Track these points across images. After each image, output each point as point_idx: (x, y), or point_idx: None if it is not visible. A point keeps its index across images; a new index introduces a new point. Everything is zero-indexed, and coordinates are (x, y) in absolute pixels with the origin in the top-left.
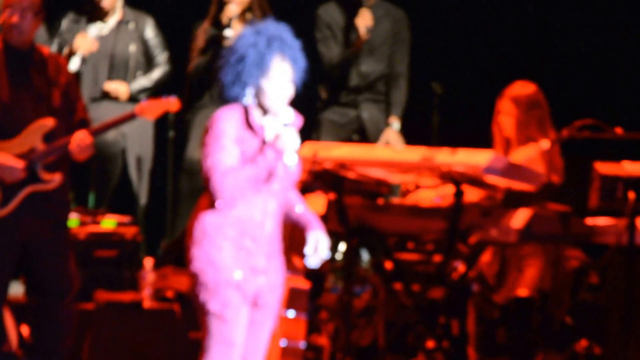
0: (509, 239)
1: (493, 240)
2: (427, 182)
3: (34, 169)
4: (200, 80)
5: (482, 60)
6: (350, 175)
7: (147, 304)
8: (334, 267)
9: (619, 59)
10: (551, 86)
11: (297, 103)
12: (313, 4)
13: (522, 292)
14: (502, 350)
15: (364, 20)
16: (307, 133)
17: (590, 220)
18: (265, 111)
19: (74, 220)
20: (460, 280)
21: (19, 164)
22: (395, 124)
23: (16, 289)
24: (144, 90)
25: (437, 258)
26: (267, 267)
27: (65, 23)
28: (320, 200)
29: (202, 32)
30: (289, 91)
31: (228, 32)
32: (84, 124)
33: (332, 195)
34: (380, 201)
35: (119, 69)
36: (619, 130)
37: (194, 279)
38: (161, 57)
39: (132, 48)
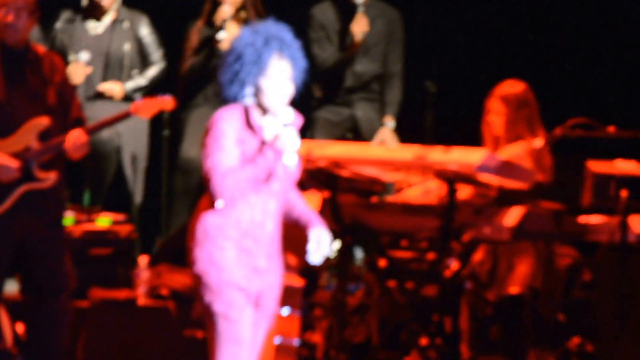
0: (502, 236)
1: (486, 238)
2: (420, 180)
3: (29, 168)
4: (194, 80)
5: (476, 59)
6: (344, 173)
7: (142, 301)
8: (328, 264)
9: (612, 58)
10: (544, 85)
11: (292, 101)
12: (308, 3)
13: (514, 289)
14: (494, 347)
15: (360, 26)
16: (302, 131)
17: (583, 219)
18: (265, 111)
19: (69, 218)
20: (454, 278)
21: (14, 164)
22: (390, 123)
23: (11, 287)
24: (139, 89)
25: (431, 256)
26: (267, 267)
27: (60, 22)
28: (314, 199)
29: (196, 32)
30: (289, 90)
31: (221, 35)
32: (79, 122)
33: (326, 194)
34: (374, 199)
35: (113, 67)
36: (611, 129)
37: (198, 280)
38: (156, 54)
39: (127, 47)
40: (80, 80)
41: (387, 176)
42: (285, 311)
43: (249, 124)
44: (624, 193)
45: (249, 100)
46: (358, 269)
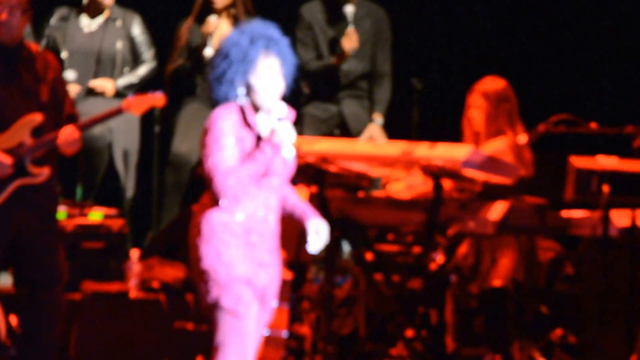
0: (486, 230)
1: (471, 232)
2: (405, 175)
3: (22, 163)
4: (182, 79)
5: (461, 56)
6: (332, 168)
7: (133, 294)
8: (316, 258)
9: (593, 55)
10: (527, 82)
11: (281, 98)
12: (297, 2)
13: (497, 282)
14: (479, 339)
15: (351, 42)
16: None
17: (565, 213)
18: (258, 108)
19: (61, 212)
20: (439, 271)
21: (7, 160)
22: (378, 119)
23: (5, 280)
24: (130, 86)
25: (417, 249)
26: (270, 261)
27: (54, 19)
28: (302, 193)
29: (186, 31)
30: (279, 86)
31: (208, 52)
32: (72, 118)
33: (314, 188)
34: (361, 194)
35: (106, 65)
36: (593, 125)
37: (204, 276)
38: (147, 54)
39: (119, 45)
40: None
41: (373, 171)
42: (274, 303)
43: (245, 122)
44: (605, 188)
45: (241, 99)
46: (345, 263)
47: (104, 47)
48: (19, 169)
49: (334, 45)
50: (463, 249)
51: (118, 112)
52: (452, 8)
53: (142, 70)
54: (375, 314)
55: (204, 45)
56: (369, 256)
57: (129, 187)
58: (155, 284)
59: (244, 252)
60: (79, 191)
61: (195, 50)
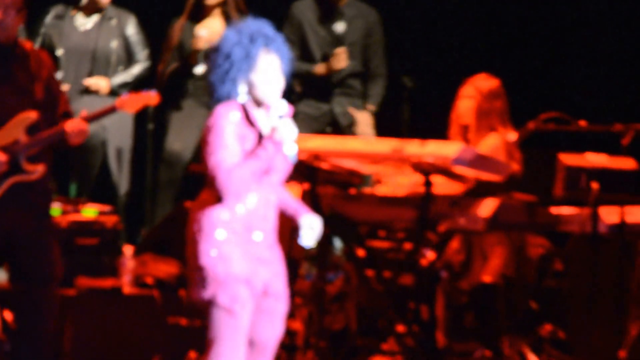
0: (477, 227)
1: (461, 228)
2: (398, 172)
3: (17, 161)
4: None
5: (452, 54)
6: (324, 166)
7: (127, 290)
8: (308, 254)
9: (582, 54)
10: (517, 80)
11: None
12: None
13: (488, 278)
14: (469, 334)
15: (339, 63)
16: None
17: (555, 210)
18: (259, 105)
19: (56, 209)
20: (430, 267)
21: (2, 157)
22: (371, 108)
23: (0, 276)
24: (124, 85)
25: (408, 246)
26: (270, 257)
27: (49, 18)
28: (294, 191)
29: (178, 30)
30: (280, 82)
31: (199, 70)
32: (67, 116)
33: (306, 185)
34: (353, 191)
35: (100, 63)
36: (582, 123)
37: (202, 272)
38: (142, 54)
39: (114, 44)
40: None
41: (365, 168)
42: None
43: (247, 120)
44: (594, 185)
45: (243, 97)
46: (337, 259)
47: (99, 46)
48: (14, 167)
49: (324, 44)
50: (454, 245)
51: (112, 110)
52: (443, 6)
53: (137, 69)
54: (367, 309)
55: (195, 61)
56: (360, 252)
57: (123, 184)
58: (149, 280)
59: (244, 249)
60: (73, 188)
61: (187, 54)
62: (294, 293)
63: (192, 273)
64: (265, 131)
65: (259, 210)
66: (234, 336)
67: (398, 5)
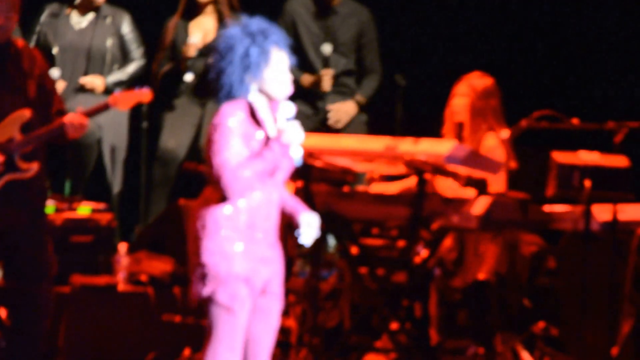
0: (470, 225)
1: (454, 226)
2: (391, 170)
3: (12, 159)
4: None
5: (444, 53)
6: (317, 163)
7: (122, 287)
8: (302, 252)
9: (575, 52)
10: (510, 78)
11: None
12: None
13: (481, 275)
14: (462, 331)
15: (325, 85)
16: None
17: (547, 208)
18: (269, 104)
19: (50, 207)
20: (423, 265)
21: None
22: (359, 98)
23: None
24: (119, 84)
25: (401, 243)
26: (272, 256)
27: (44, 16)
28: (288, 188)
29: (172, 28)
30: (289, 80)
31: (188, 77)
32: (61, 113)
33: (299, 183)
34: (346, 189)
35: (96, 62)
36: (575, 121)
37: (203, 269)
38: (137, 52)
39: (109, 42)
40: None
41: (358, 166)
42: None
43: (252, 118)
44: (587, 183)
45: (253, 94)
46: (330, 256)
47: (94, 45)
48: (8, 165)
49: (317, 42)
50: (447, 243)
51: (105, 107)
52: (435, 5)
53: (131, 67)
54: (360, 307)
55: (185, 68)
56: (354, 250)
57: (117, 182)
58: (143, 277)
59: (246, 248)
60: (67, 186)
61: (179, 58)
62: (287, 291)
63: (193, 270)
64: (270, 130)
65: (262, 209)
66: (231, 334)
67: (391, 3)
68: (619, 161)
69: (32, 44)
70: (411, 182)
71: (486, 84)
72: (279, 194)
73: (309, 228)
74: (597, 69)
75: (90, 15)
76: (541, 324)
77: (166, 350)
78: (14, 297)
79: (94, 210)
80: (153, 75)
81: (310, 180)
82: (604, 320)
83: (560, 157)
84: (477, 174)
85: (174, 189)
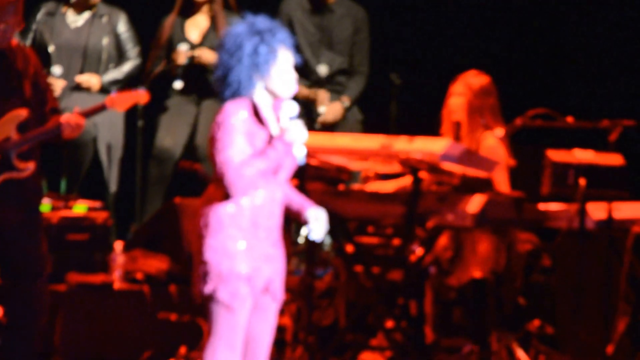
0: (465, 223)
1: (449, 224)
2: (386, 168)
3: (9, 158)
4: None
5: (439, 52)
6: (313, 162)
7: (117, 285)
8: (297, 250)
9: (569, 50)
10: (505, 76)
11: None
12: None
13: (477, 273)
14: (458, 329)
15: (322, 108)
16: None
17: (542, 206)
18: (272, 103)
19: (46, 205)
20: (418, 263)
21: None
22: (345, 102)
23: None
24: (115, 82)
25: (396, 242)
26: (274, 254)
27: (40, 14)
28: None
29: (168, 27)
30: (294, 78)
31: (177, 85)
32: (55, 112)
33: (295, 182)
34: (341, 187)
35: (92, 60)
36: (569, 119)
37: (206, 267)
38: (132, 51)
39: (105, 41)
40: (57, 94)
41: (353, 165)
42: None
43: (256, 117)
44: (582, 181)
45: (259, 92)
46: (326, 254)
47: (90, 43)
48: (5, 164)
49: (313, 41)
50: (442, 241)
51: (102, 108)
52: (430, 3)
53: (127, 66)
54: (356, 305)
55: (174, 75)
56: (349, 248)
57: (113, 180)
58: (139, 276)
59: (249, 246)
60: (63, 184)
61: (169, 73)
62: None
63: (196, 267)
64: (273, 129)
65: (265, 207)
66: (231, 332)
67: (385, 2)
68: (614, 159)
69: (28, 42)
70: (407, 180)
71: (482, 82)
72: (282, 192)
73: (318, 223)
74: (592, 67)
75: (87, 14)
76: (536, 322)
77: (162, 348)
78: (9, 294)
79: (90, 209)
80: (146, 74)
81: (306, 178)
82: (599, 318)
83: (555, 155)
84: (472, 172)
85: (169, 188)
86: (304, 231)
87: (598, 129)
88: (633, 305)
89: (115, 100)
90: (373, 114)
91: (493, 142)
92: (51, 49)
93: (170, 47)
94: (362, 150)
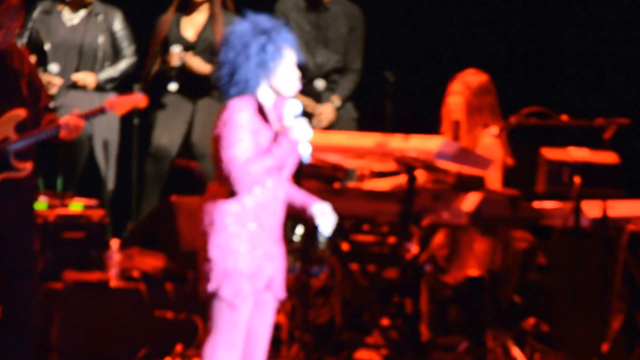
0: (460, 221)
1: (445, 222)
2: (381, 166)
3: (7, 158)
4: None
5: (433, 49)
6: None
7: (114, 283)
8: (292, 248)
9: (564, 48)
10: (500, 74)
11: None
12: None
13: (474, 272)
14: (453, 327)
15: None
16: None
17: (537, 204)
18: (277, 100)
19: (43, 203)
20: (414, 261)
21: None
22: (336, 101)
23: None
24: (111, 80)
25: (392, 240)
26: (276, 252)
27: (36, 13)
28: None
29: (165, 25)
30: (298, 77)
31: (172, 87)
32: (48, 109)
33: (290, 180)
34: (337, 185)
35: (87, 58)
36: (564, 117)
37: (209, 264)
38: (128, 49)
39: (101, 39)
40: (53, 92)
41: (349, 163)
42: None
43: (260, 114)
44: (577, 179)
45: (263, 90)
46: (321, 253)
47: (85, 41)
48: (3, 164)
49: (309, 39)
50: (438, 239)
51: (101, 111)
52: (425, 1)
53: (123, 65)
54: (351, 303)
55: (169, 76)
56: (344, 246)
57: (109, 179)
58: (135, 274)
59: (252, 244)
60: (59, 182)
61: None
62: None
63: (199, 264)
64: (278, 127)
65: (269, 205)
66: (233, 330)
67: (381, 0)
68: (609, 157)
69: (24, 41)
70: (402, 178)
71: (481, 80)
72: (284, 191)
73: (325, 217)
74: (586, 65)
75: (82, 12)
76: (532, 320)
77: (158, 346)
78: (3, 292)
79: (86, 207)
80: (145, 72)
81: (301, 176)
82: (594, 316)
83: (550, 153)
84: (467, 170)
85: (166, 186)
86: (299, 229)
87: (593, 127)
88: (628, 303)
89: (114, 103)
90: (368, 112)
91: (490, 140)
92: (47, 47)
93: (166, 46)
94: (358, 148)
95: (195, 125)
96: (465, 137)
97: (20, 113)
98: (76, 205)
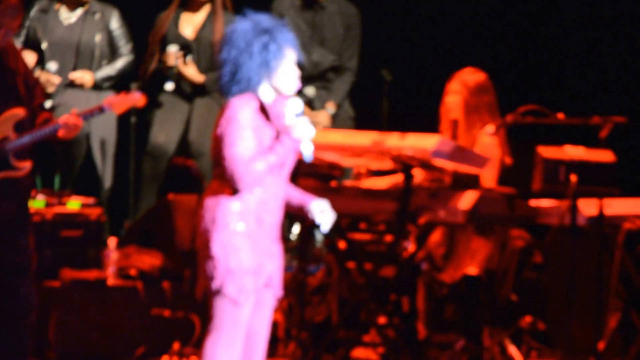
0: (457, 219)
1: (441, 220)
2: (378, 165)
3: (6, 157)
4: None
5: (430, 48)
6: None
7: (111, 281)
8: (289, 246)
9: (561, 47)
10: (496, 73)
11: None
12: None
13: (471, 270)
14: (450, 325)
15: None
16: None
17: (534, 202)
18: (276, 99)
19: (40, 201)
20: (410, 259)
21: None
22: (330, 108)
23: None
24: (108, 79)
25: (388, 238)
26: (275, 250)
27: (33, 11)
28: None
29: (164, 23)
30: (298, 76)
31: (169, 87)
32: (43, 108)
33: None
34: (333, 183)
35: (84, 57)
36: (560, 116)
37: (212, 262)
38: (125, 48)
39: (98, 38)
40: (51, 90)
41: (345, 161)
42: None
43: (262, 113)
44: (573, 177)
45: (264, 89)
46: (318, 251)
47: (83, 40)
48: (2, 163)
49: (305, 38)
50: (435, 237)
51: (100, 110)
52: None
53: (120, 63)
54: (348, 301)
55: (166, 76)
56: (341, 245)
57: (107, 177)
58: (133, 272)
59: (254, 242)
60: (57, 180)
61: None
62: None
63: (201, 262)
64: (279, 125)
65: (269, 204)
66: (234, 327)
67: None
68: (605, 156)
69: (21, 39)
70: (399, 177)
71: (478, 79)
72: (283, 189)
73: (323, 214)
74: (582, 63)
75: (79, 11)
76: (528, 319)
77: (155, 344)
78: None
79: (84, 205)
80: (144, 70)
81: (298, 175)
82: (590, 314)
83: (546, 151)
84: (464, 168)
85: (163, 184)
86: (295, 228)
87: (589, 125)
88: (624, 301)
89: (112, 102)
90: (365, 111)
91: (488, 139)
92: (44, 45)
93: (165, 44)
94: (354, 147)
95: (193, 124)
96: (464, 136)
97: (19, 112)
98: (73, 204)
